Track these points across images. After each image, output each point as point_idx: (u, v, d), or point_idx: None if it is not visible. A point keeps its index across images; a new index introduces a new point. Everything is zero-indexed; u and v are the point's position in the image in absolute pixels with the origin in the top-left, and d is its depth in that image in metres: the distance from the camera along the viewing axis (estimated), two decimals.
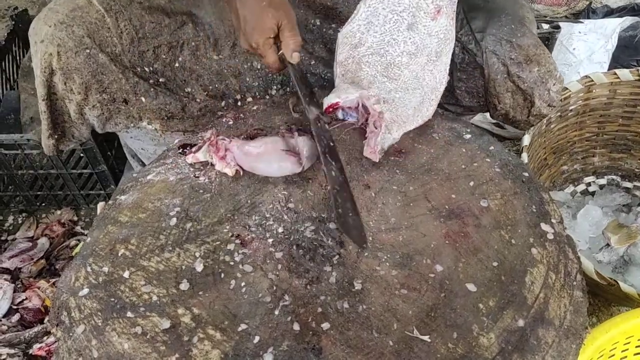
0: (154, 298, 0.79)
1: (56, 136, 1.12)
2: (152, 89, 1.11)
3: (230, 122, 1.08)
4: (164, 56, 1.11)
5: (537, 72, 1.05)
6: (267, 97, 1.20)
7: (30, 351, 1.23)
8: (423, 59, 1.01)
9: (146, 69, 1.10)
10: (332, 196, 0.87)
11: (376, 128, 0.96)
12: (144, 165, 1.29)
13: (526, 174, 0.95)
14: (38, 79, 1.05)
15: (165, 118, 1.13)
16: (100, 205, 0.94)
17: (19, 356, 1.20)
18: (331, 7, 1.16)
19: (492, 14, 1.08)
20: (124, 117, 1.12)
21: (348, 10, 1.15)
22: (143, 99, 1.10)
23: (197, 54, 1.13)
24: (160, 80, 1.12)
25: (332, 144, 0.93)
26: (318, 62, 1.21)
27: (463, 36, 1.09)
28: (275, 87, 1.20)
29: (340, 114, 1.04)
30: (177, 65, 1.12)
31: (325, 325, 0.75)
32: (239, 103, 1.18)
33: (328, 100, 0.99)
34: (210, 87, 1.16)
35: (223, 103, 1.17)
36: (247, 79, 1.17)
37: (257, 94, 1.19)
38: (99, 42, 1.04)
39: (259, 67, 1.17)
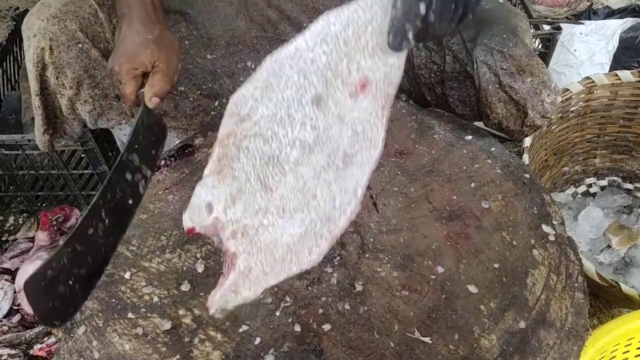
0: (155, 299, 0.79)
1: (50, 131, 1.12)
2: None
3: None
4: None
5: (530, 83, 1.03)
6: None
7: (31, 352, 1.23)
8: (321, 158, 0.64)
9: None
10: None
11: (226, 274, 0.67)
12: None
13: (527, 176, 0.95)
14: (31, 74, 1.04)
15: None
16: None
17: (19, 357, 1.20)
18: (323, 11, 1.16)
19: (483, 23, 1.06)
20: (116, 114, 1.12)
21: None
22: None
23: (191, 53, 1.13)
24: None
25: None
26: None
27: (454, 45, 1.08)
28: None
29: (216, 240, 0.69)
30: None
31: (326, 327, 0.75)
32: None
33: (184, 221, 0.69)
34: (204, 87, 1.16)
35: (217, 103, 1.17)
36: (241, 79, 1.17)
37: None
38: (91, 37, 1.04)
39: (253, 67, 1.17)
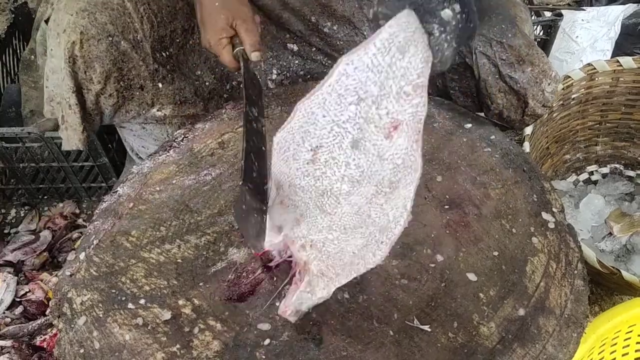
0: (155, 289, 0.79)
1: (87, 128, 1.08)
2: (169, 75, 1.11)
3: (232, 112, 1.08)
4: (178, 40, 1.11)
5: (531, 73, 1.03)
6: (269, 81, 1.20)
7: (34, 342, 1.24)
8: (370, 188, 0.75)
9: (164, 53, 1.09)
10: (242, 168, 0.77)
11: (298, 282, 0.76)
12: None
13: (527, 163, 0.95)
14: (64, 71, 1.01)
15: (179, 102, 1.13)
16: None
17: (22, 348, 1.21)
18: (326, 5, 1.15)
19: (482, 13, 1.05)
20: (137, 104, 1.10)
21: (343, 8, 1.15)
22: (160, 85, 1.10)
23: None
24: (175, 64, 1.12)
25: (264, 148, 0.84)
26: (317, 52, 1.20)
27: None
28: (275, 70, 1.20)
29: (277, 255, 0.81)
30: (188, 47, 1.12)
31: (326, 315, 0.75)
32: (241, 85, 1.18)
33: (256, 250, 0.81)
34: (217, 70, 1.17)
35: (228, 86, 1.17)
36: None
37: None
38: (121, 29, 1.02)
39: None
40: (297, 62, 1.20)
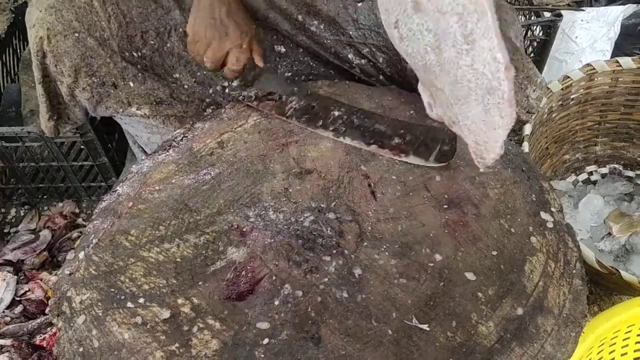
0: (154, 288, 0.79)
1: (55, 117, 1.16)
2: (140, 74, 1.13)
3: (231, 112, 1.08)
4: (152, 41, 1.12)
5: (515, 78, 1.02)
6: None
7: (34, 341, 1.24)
8: (451, 51, 0.70)
9: (134, 54, 1.12)
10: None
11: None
12: (145, 152, 1.30)
13: (526, 163, 0.95)
14: (34, 63, 1.09)
15: (154, 103, 1.15)
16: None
17: (22, 347, 1.21)
18: (310, 5, 1.16)
19: None
20: (114, 102, 1.14)
21: (327, 8, 1.15)
22: (131, 84, 1.12)
23: (185, 40, 1.13)
24: (149, 65, 1.13)
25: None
26: (304, 52, 1.21)
27: None
28: None
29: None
30: (165, 50, 1.14)
31: (325, 315, 0.75)
32: (227, 90, 1.18)
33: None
34: (198, 74, 1.17)
35: (211, 90, 1.18)
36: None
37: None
38: (87, 26, 1.07)
39: None
40: (284, 63, 1.21)
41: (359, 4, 1.15)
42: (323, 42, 1.19)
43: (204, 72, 1.17)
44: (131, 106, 1.14)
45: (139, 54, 1.12)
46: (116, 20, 1.08)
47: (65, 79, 1.10)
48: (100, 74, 1.10)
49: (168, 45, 1.14)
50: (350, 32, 1.17)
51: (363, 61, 1.20)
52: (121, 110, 1.15)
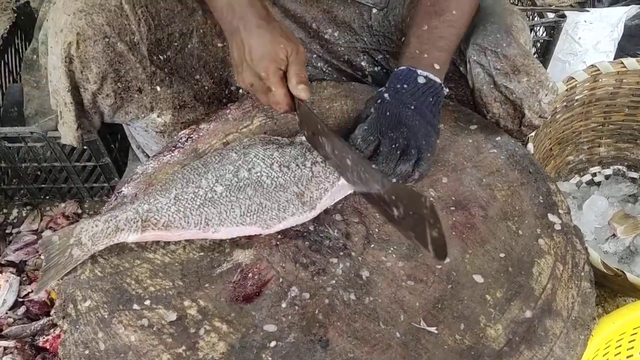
0: (160, 290, 0.79)
1: (82, 127, 1.09)
2: (167, 78, 1.09)
3: (236, 112, 1.07)
4: (175, 43, 1.09)
5: (526, 83, 1.01)
6: None
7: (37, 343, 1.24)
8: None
9: (161, 57, 1.08)
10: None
11: None
12: (148, 157, 1.29)
13: (533, 165, 0.94)
14: (60, 70, 1.01)
15: (178, 107, 1.12)
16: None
17: (25, 349, 1.20)
18: (327, 10, 1.15)
19: (477, 22, 1.04)
20: (136, 107, 1.10)
21: (344, 14, 1.15)
22: (158, 88, 1.09)
23: (204, 41, 1.12)
24: (174, 68, 1.11)
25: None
26: (318, 58, 1.20)
27: None
28: None
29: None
30: (186, 52, 1.11)
31: (332, 317, 0.75)
32: (240, 91, 1.17)
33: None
34: (215, 74, 1.16)
35: (226, 91, 1.17)
36: None
37: None
38: (118, 31, 1.01)
39: None
40: None
41: (374, 11, 1.15)
42: (337, 49, 1.19)
43: (221, 73, 1.16)
44: (153, 111, 1.11)
45: (164, 56, 1.09)
46: (146, 23, 1.04)
47: (90, 85, 1.03)
48: (127, 78, 1.05)
49: (189, 46, 1.11)
50: (365, 39, 1.17)
51: (377, 68, 1.20)
52: (142, 115, 1.11)
